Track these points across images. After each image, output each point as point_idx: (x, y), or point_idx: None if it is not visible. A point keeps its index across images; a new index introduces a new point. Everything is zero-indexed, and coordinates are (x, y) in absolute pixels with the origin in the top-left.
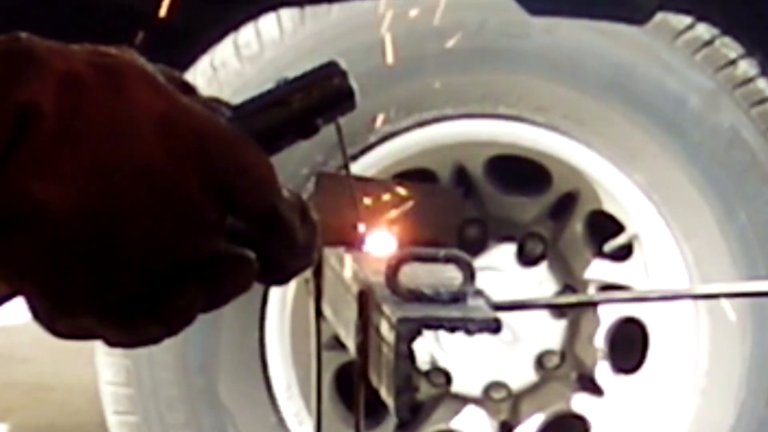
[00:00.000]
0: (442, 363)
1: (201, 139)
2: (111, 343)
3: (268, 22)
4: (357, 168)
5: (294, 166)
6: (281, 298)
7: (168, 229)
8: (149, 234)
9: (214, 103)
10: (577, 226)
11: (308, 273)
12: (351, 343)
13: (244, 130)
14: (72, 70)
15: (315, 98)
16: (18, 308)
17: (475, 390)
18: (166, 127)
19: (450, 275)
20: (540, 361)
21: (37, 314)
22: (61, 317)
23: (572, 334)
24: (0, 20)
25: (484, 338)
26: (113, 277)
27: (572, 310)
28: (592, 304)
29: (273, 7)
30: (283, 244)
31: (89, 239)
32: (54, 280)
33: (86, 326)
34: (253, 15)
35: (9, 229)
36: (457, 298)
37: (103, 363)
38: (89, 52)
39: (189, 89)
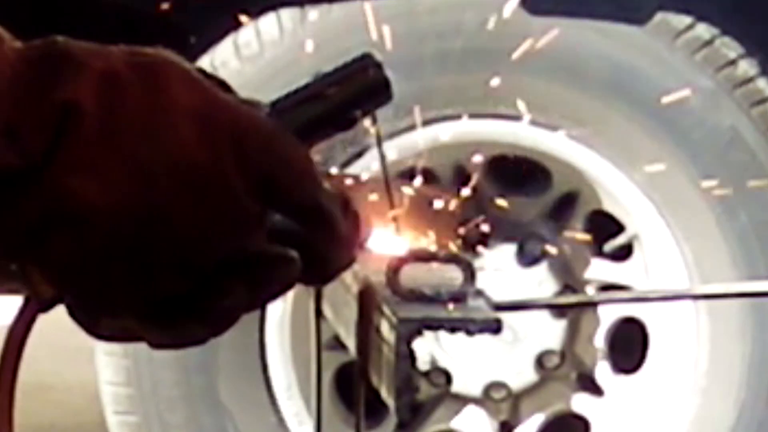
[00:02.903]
0: (442, 363)
1: (241, 134)
2: (153, 344)
3: (268, 22)
4: (357, 168)
5: None
6: (281, 298)
7: (210, 224)
8: (191, 230)
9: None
10: (577, 226)
11: None
12: (351, 343)
13: (283, 125)
14: (111, 69)
15: (352, 91)
16: (14, 308)
17: (475, 390)
18: (206, 123)
19: (450, 275)
20: (540, 361)
21: (76, 316)
22: (103, 317)
23: (572, 334)
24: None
25: (484, 338)
26: (156, 274)
27: (572, 310)
28: (592, 304)
29: (273, 7)
30: (326, 237)
31: (131, 236)
32: (96, 279)
33: (128, 327)
34: (253, 15)
35: (51, 227)
36: (458, 298)
37: (103, 363)
38: (126, 52)
39: (226, 87)
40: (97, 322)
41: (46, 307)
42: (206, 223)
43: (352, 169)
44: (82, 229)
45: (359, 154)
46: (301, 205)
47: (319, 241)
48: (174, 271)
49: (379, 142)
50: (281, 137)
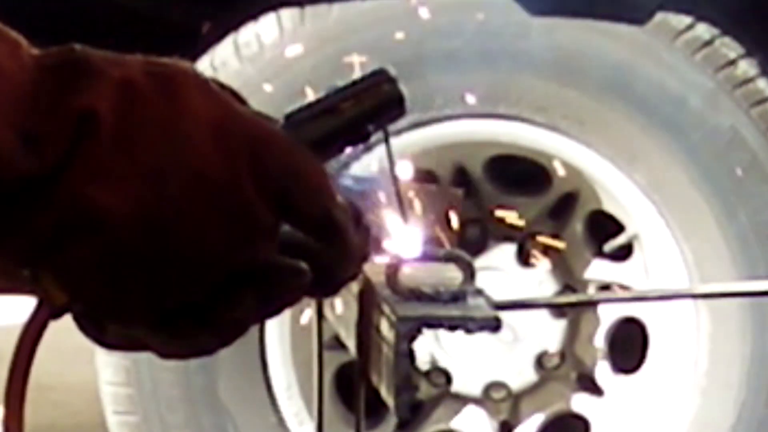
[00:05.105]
0: (442, 363)
1: (256, 145)
2: (161, 353)
3: (268, 22)
4: (357, 168)
5: None
6: None
7: (224, 234)
8: (205, 239)
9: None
10: (577, 226)
11: None
12: (351, 343)
13: (297, 138)
14: (128, 78)
15: (366, 105)
16: (18, 308)
17: (475, 390)
18: (221, 134)
19: (450, 275)
20: (540, 361)
21: (83, 323)
22: (111, 325)
23: (572, 334)
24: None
25: (484, 338)
26: (169, 282)
27: (572, 310)
28: (592, 304)
29: (273, 7)
30: (337, 251)
31: (146, 244)
32: (110, 286)
33: (137, 336)
34: (253, 15)
35: (67, 234)
36: (457, 297)
37: (103, 363)
38: (144, 62)
39: (241, 100)
40: (104, 330)
41: (58, 313)
42: (220, 234)
43: (351, 170)
44: (96, 237)
45: (359, 155)
46: (314, 219)
47: (330, 255)
48: (186, 281)
49: (387, 140)
50: (297, 151)
